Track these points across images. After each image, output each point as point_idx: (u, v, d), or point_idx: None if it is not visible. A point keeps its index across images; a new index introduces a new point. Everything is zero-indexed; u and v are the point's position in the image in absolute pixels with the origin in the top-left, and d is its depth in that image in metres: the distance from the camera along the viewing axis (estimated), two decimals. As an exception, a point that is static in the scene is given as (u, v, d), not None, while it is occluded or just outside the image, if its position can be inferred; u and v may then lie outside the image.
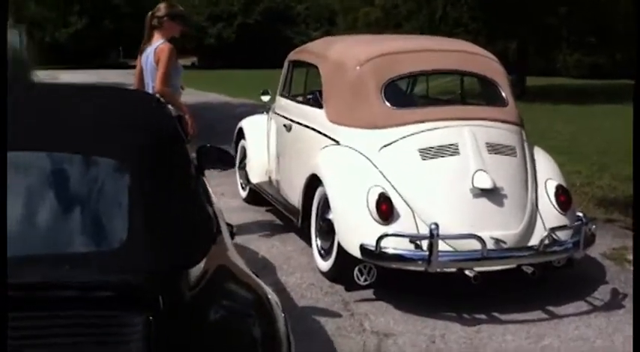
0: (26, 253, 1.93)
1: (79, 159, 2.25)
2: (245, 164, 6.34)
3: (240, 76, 28.45)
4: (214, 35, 39.82)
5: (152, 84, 4.84)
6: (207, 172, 3.69)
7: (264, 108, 6.38)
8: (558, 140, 10.51)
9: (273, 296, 2.23)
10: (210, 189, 3.47)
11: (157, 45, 4.81)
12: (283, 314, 2.14)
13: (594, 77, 25.05)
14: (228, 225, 3.08)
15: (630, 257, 4.88)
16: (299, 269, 4.63)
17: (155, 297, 1.80)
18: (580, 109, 15.95)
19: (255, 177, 6.14)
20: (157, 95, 4.69)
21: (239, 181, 6.68)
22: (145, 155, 2.30)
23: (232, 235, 3.01)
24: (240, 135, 6.60)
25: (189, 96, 18.77)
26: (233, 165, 3.61)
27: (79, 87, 3.72)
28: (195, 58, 41.90)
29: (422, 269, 3.83)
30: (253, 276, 2.34)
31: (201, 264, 2.12)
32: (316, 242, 4.59)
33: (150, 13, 4.90)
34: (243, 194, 6.56)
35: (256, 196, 6.16)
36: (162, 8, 4.86)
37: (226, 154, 3.58)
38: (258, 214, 6.10)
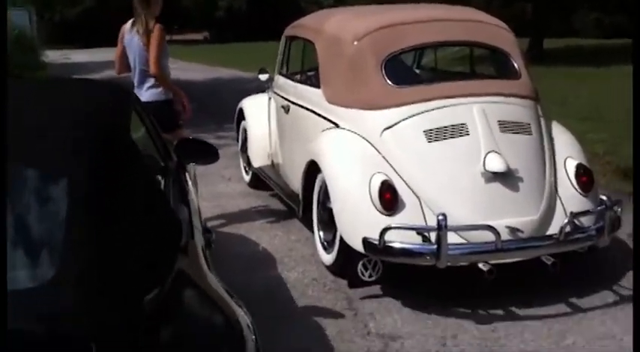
0: None
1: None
2: (247, 147, 6.02)
3: (253, 49, 27.94)
4: (224, 8, 39.16)
5: (140, 67, 4.62)
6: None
7: (265, 87, 6.04)
8: (579, 105, 10.05)
9: (244, 319, 1.97)
10: (190, 187, 3.17)
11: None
12: (254, 337, 1.90)
13: (614, 36, 24.21)
14: (207, 231, 2.77)
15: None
16: (301, 263, 4.32)
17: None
18: (600, 71, 15.36)
19: (257, 161, 5.82)
20: (153, 77, 4.56)
21: (242, 165, 6.38)
22: (80, 162, 1.96)
23: (210, 244, 2.71)
24: (241, 115, 6.27)
25: (200, 73, 18.64)
26: (216, 159, 3.29)
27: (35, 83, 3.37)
28: (207, 33, 41.36)
29: (431, 263, 3.50)
30: (223, 296, 2.06)
31: (157, 291, 1.82)
32: (319, 233, 4.27)
33: None
34: (247, 178, 6.25)
35: (260, 180, 5.85)
36: None
37: (209, 147, 3.28)
38: (262, 200, 5.79)
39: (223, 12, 39.17)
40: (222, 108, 11.01)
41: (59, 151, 1.99)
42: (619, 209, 3.76)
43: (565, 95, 10.97)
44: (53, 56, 23.80)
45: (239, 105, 6.33)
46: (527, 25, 20.23)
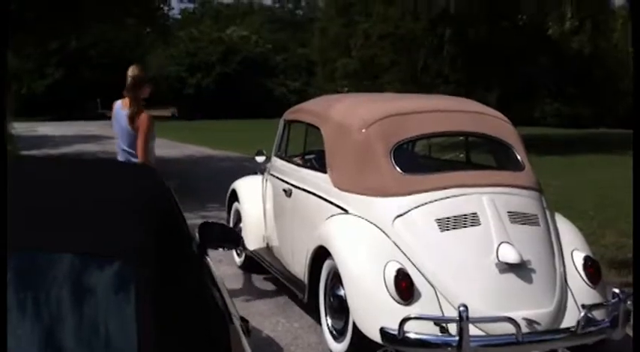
0: None
1: (70, 263, 1.88)
2: (240, 229, 5.97)
3: (221, 127, 28.19)
4: (193, 85, 39.68)
5: (124, 147, 4.89)
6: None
7: (258, 169, 6.06)
8: (551, 194, 10.16)
9: None
10: (213, 269, 3.11)
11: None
12: None
13: (573, 126, 25.21)
14: (243, 320, 2.71)
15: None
16: (309, 351, 4.21)
17: None
18: (565, 161, 15.82)
19: (252, 244, 5.75)
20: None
21: (233, 246, 6.28)
22: (149, 251, 1.94)
23: (248, 331, 2.64)
24: (233, 197, 6.25)
25: (172, 149, 18.61)
26: (239, 244, 3.26)
27: (66, 162, 3.35)
28: (175, 109, 41.65)
29: (450, 355, 3.46)
30: None
31: None
32: (327, 321, 4.20)
33: (133, 74, 4.88)
34: (238, 261, 6.16)
35: (252, 263, 5.77)
36: (138, 71, 4.90)
37: (231, 232, 3.26)
38: (257, 284, 5.68)
39: (192, 90, 39.60)
40: (201, 186, 10.98)
41: (123, 237, 1.96)
42: (629, 302, 3.80)
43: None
44: (20, 129, 23.59)
45: (232, 187, 6.31)
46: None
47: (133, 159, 4.81)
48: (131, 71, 4.89)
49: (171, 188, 2.85)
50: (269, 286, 5.55)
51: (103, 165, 2.97)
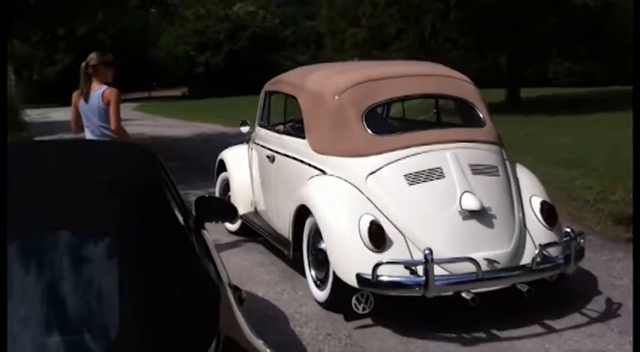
0: None
1: (56, 237, 2.00)
2: (229, 196, 6.34)
3: (232, 104, 28.40)
4: (203, 64, 39.91)
5: (98, 122, 5.22)
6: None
7: (244, 139, 6.36)
8: (563, 152, 9.99)
9: None
10: (211, 244, 3.08)
11: (103, 90, 5.20)
12: None
13: (586, 85, 25.03)
14: (237, 289, 2.81)
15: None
16: (313, 318, 4.35)
17: None
18: (577, 119, 15.42)
19: (241, 209, 6.00)
20: (113, 133, 5.17)
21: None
22: (132, 226, 2.06)
23: (241, 301, 2.75)
24: (221, 167, 6.58)
25: (183, 128, 18.85)
26: (235, 217, 3.56)
27: (58, 145, 3.46)
28: (186, 89, 41.98)
29: (419, 294, 3.85)
30: (261, 346, 2.11)
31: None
32: (310, 272, 4.61)
33: (84, 63, 5.28)
34: (231, 227, 6.41)
35: (244, 227, 6.07)
36: (95, 58, 5.29)
37: (227, 205, 3.50)
38: (264, 254, 5.77)
39: (202, 68, 39.83)
40: (210, 163, 11.21)
41: (107, 214, 2.08)
42: (582, 240, 4.18)
43: (548, 142, 11.03)
44: (32, 115, 23.94)
45: (219, 157, 6.63)
46: (501, 76, 21.06)
47: (107, 132, 5.15)
48: (91, 60, 5.24)
49: (163, 164, 2.88)
50: (275, 257, 5.62)
51: (92, 146, 3.12)
